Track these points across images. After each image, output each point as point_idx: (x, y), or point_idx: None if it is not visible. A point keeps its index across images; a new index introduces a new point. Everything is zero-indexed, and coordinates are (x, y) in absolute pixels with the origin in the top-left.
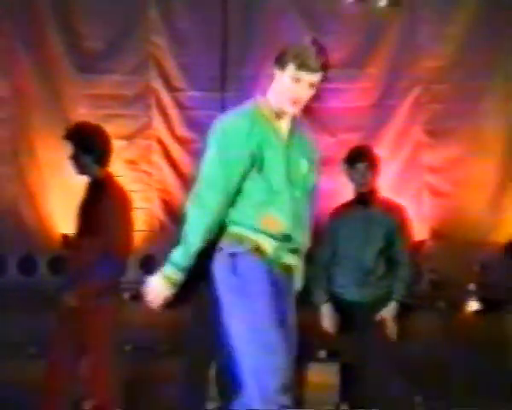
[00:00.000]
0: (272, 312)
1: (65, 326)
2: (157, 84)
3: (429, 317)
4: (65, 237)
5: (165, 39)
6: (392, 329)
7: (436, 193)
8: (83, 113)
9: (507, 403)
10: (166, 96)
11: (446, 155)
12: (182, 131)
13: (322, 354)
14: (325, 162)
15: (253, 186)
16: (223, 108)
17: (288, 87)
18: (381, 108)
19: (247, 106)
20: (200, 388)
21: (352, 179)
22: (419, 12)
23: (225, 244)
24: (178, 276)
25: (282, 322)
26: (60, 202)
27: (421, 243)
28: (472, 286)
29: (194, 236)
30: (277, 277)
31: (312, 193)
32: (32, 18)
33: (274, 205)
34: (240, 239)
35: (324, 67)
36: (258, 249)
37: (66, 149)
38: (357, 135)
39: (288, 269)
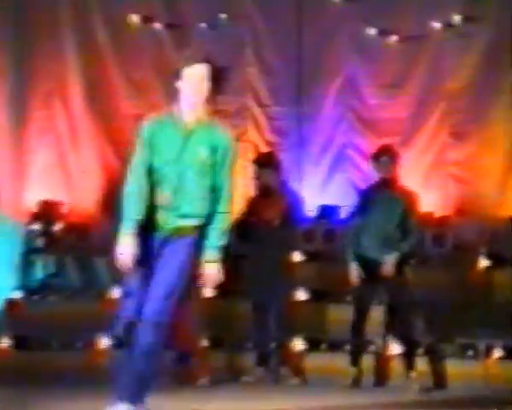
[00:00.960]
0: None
1: None
2: (251, 102)
3: (452, 270)
4: None
5: (256, 69)
6: (389, 268)
7: (458, 180)
8: None
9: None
10: (257, 111)
11: (465, 152)
12: (269, 136)
13: (349, 298)
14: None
15: (153, 170)
16: (298, 118)
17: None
18: (416, 118)
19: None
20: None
21: (378, 170)
22: (444, 44)
23: None
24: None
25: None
26: None
27: (447, 217)
28: (483, 249)
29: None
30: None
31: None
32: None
33: (164, 183)
34: None
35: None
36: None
37: None
38: (397, 138)
39: (178, 230)
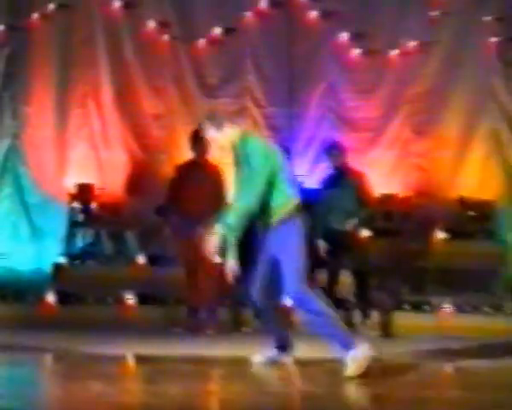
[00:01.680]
0: None
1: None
2: (249, 104)
3: (415, 242)
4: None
5: (254, 77)
6: (351, 227)
7: (418, 168)
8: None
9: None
10: (255, 111)
11: (425, 146)
12: (264, 132)
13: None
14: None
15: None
16: (289, 117)
17: None
18: (385, 118)
19: None
20: None
21: (331, 161)
22: (407, 58)
23: None
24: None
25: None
26: None
27: (410, 198)
28: (440, 223)
29: (242, 218)
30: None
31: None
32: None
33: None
34: None
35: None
36: None
37: None
38: (370, 134)
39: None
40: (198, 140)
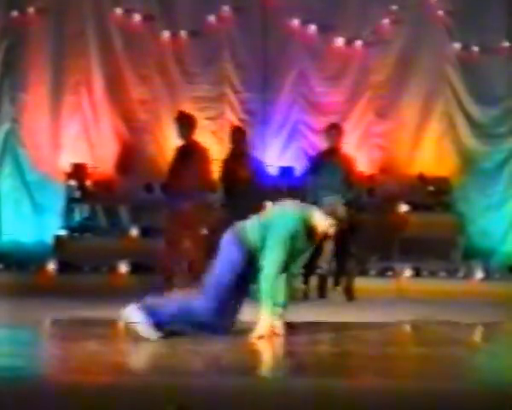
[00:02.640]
0: None
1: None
2: (227, 90)
3: (379, 215)
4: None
5: (231, 65)
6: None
7: (381, 148)
8: (188, 106)
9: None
10: (232, 97)
11: (386, 127)
12: (240, 115)
13: None
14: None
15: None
16: (263, 102)
17: None
18: (350, 102)
19: None
20: None
21: (327, 141)
22: (370, 48)
23: None
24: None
25: None
26: None
27: (373, 175)
28: (403, 197)
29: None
30: None
31: None
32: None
33: None
34: None
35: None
36: None
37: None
38: (336, 117)
39: None
40: (183, 124)
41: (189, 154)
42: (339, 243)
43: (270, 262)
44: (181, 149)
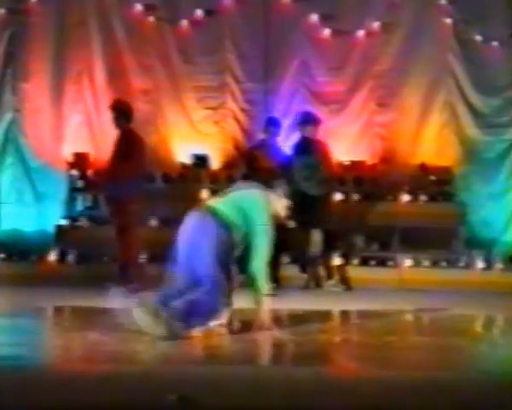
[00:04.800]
0: None
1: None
2: (229, 80)
3: (376, 204)
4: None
5: (233, 55)
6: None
7: (382, 138)
8: (192, 95)
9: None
10: (234, 86)
11: (388, 117)
12: (242, 104)
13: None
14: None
15: None
16: (265, 92)
17: None
18: (352, 92)
19: None
20: None
21: (303, 132)
22: (372, 38)
23: None
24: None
25: None
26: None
27: (375, 165)
28: (404, 187)
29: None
30: None
31: None
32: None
33: None
34: None
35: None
36: None
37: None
38: (338, 106)
39: None
40: (119, 113)
41: (125, 143)
42: (326, 236)
43: (262, 250)
44: (118, 138)
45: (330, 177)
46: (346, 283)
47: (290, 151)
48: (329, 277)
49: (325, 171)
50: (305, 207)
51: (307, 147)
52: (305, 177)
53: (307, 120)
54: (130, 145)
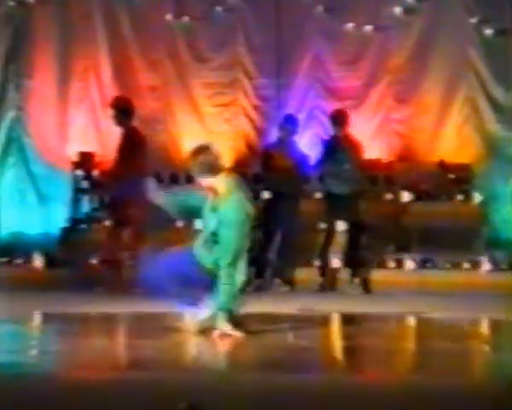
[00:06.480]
0: None
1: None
2: (241, 75)
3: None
4: None
5: (245, 49)
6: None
7: (400, 135)
8: (202, 92)
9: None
10: (246, 82)
11: (405, 113)
12: (254, 101)
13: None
14: None
15: None
16: (277, 88)
17: None
18: (368, 87)
19: None
20: None
21: (334, 129)
22: (389, 31)
23: None
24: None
25: None
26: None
27: (391, 162)
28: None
29: None
30: None
31: None
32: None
33: None
34: None
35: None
36: None
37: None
38: (353, 102)
39: None
40: (120, 111)
41: (126, 142)
42: (351, 236)
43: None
44: (120, 137)
45: (362, 175)
46: (366, 286)
47: (321, 149)
48: (354, 275)
49: (357, 169)
50: (337, 207)
51: (338, 145)
52: (336, 175)
53: (339, 117)
54: (130, 144)
